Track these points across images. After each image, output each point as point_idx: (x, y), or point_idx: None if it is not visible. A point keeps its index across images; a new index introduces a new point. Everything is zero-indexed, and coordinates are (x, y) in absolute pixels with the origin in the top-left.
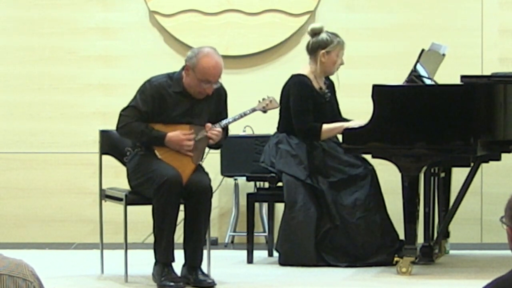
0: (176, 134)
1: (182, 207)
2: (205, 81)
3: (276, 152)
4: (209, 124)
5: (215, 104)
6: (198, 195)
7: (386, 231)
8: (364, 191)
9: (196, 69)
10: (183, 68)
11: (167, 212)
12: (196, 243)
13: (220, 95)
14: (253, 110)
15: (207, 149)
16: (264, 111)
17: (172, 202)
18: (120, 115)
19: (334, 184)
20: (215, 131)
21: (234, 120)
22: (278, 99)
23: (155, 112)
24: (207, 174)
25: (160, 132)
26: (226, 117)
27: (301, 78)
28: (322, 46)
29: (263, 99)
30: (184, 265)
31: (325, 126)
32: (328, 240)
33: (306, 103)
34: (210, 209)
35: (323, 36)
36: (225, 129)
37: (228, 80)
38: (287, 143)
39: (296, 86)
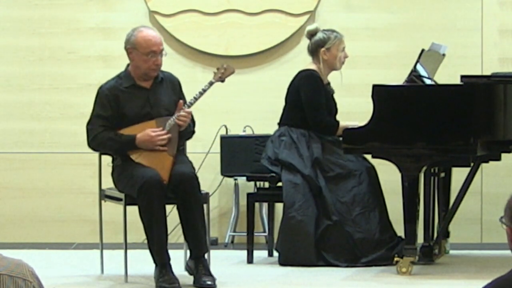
0: (145, 133)
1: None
2: (151, 53)
3: (279, 144)
4: (181, 102)
5: (171, 92)
6: (184, 185)
7: (385, 228)
8: (363, 186)
9: (138, 44)
10: (128, 65)
11: (153, 213)
12: (195, 233)
13: (174, 83)
14: (211, 83)
15: (205, 149)
16: (222, 81)
17: (155, 202)
18: (87, 129)
19: (332, 178)
20: (185, 112)
21: (196, 99)
22: (282, 96)
23: (115, 113)
24: (190, 162)
25: (129, 136)
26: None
27: (311, 72)
28: (321, 45)
29: (218, 69)
30: (190, 257)
31: (342, 123)
32: (327, 238)
33: (320, 97)
34: (200, 197)
35: (320, 35)
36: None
37: (228, 80)
38: (289, 135)
39: (307, 80)
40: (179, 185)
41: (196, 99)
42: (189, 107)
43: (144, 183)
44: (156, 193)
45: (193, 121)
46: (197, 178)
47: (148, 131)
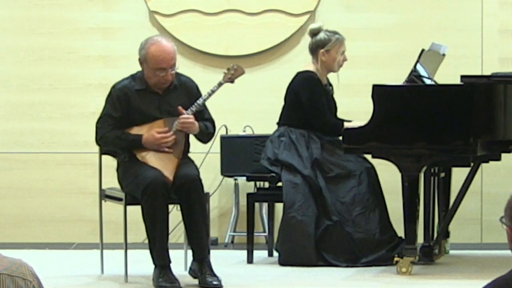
0: (150, 134)
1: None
2: (159, 69)
3: (279, 145)
4: (180, 108)
5: (186, 98)
6: (187, 187)
7: (385, 228)
8: (362, 186)
9: (147, 59)
10: None
11: (156, 214)
12: (198, 235)
13: (190, 88)
14: (220, 84)
15: (205, 149)
16: (232, 81)
17: (159, 204)
18: (96, 127)
19: (332, 179)
20: (183, 119)
21: (204, 100)
22: (282, 96)
23: (125, 115)
24: (194, 164)
25: (135, 135)
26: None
27: (310, 74)
28: (321, 46)
29: (228, 69)
30: (193, 260)
31: (346, 124)
32: (327, 238)
33: (321, 98)
34: (203, 199)
35: (321, 35)
36: (206, 112)
37: None
38: (288, 135)
39: (307, 82)
40: (182, 186)
41: (204, 100)
42: (197, 107)
43: (148, 185)
44: (160, 195)
45: (212, 122)
46: (200, 180)
47: (154, 132)
